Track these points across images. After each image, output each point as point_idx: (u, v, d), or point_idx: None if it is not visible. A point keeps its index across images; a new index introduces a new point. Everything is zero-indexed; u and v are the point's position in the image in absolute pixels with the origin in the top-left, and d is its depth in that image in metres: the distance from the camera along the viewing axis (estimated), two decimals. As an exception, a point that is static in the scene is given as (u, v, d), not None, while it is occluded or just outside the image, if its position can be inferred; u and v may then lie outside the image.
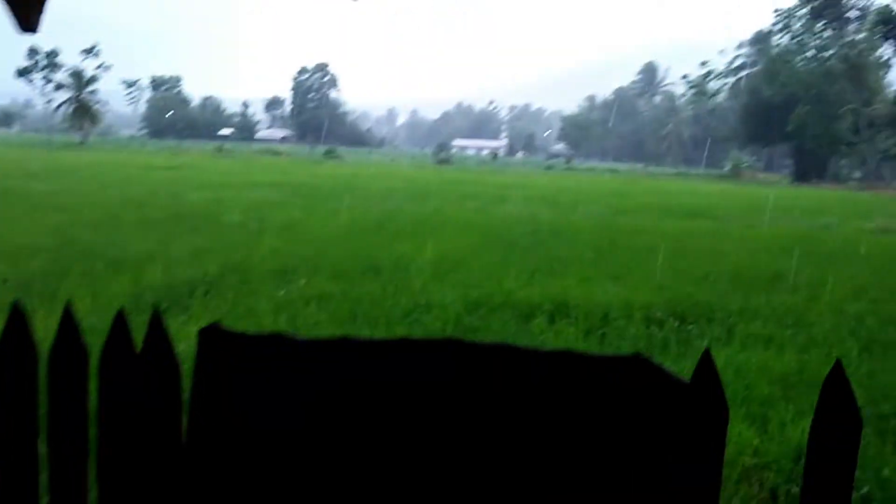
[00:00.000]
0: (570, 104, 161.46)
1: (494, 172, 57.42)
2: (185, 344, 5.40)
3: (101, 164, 39.91)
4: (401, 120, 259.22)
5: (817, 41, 76.40)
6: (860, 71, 70.36)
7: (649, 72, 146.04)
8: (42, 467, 1.65)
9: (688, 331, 7.19)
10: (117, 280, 8.52)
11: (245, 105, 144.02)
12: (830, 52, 74.60)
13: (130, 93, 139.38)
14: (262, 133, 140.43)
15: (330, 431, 1.55)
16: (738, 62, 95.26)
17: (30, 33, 2.57)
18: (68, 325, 1.64)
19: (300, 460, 1.56)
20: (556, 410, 1.48)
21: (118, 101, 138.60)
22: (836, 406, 1.40)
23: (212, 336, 1.58)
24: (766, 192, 43.80)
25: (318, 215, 17.13)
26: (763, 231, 17.95)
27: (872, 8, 70.61)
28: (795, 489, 3.97)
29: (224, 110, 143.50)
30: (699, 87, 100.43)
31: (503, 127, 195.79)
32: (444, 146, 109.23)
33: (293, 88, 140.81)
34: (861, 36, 72.85)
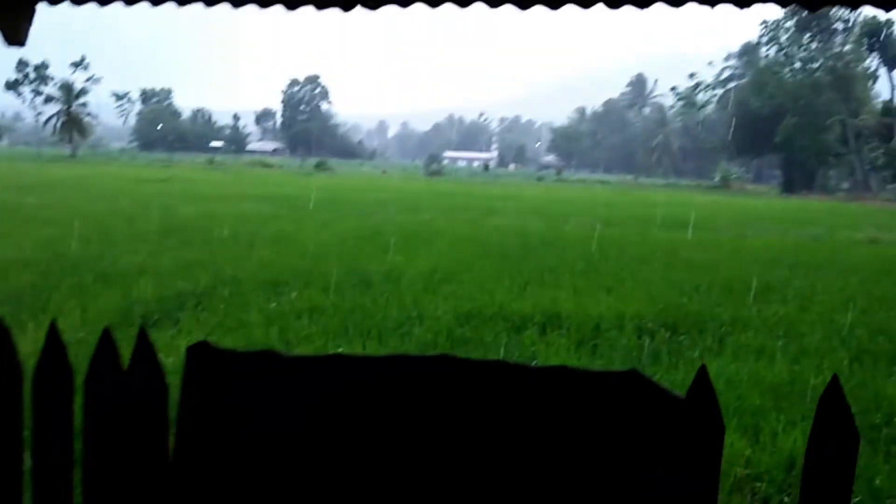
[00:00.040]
0: (560, 116, 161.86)
1: (485, 184, 57.53)
2: (174, 357, 5.38)
3: (91, 176, 39.73)
4: (391, 132, 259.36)
5: (804, 53, 77.11)
6: (847, 82, 71.03)
7: (638, 84, 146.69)
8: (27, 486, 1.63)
9: (679, 341, 7.20)
10: (107, 293, 8.46)
11: (236, 117, 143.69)
12: (817, 63, 75.30)
13: (121, 105, 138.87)
14: (253, 145, 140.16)
15: (321, 449, 1.53)
16: (726, 74, 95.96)
17: (17, 46, 2.56)
18: (53, 343, 1.62)
19: (291, 478, 1.53)
20: (552, 427, 1.46)
21: (108, 113, 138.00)
22: (834, 421, 1.39)
23: (200, 353, 1.56)
24: (756, 202, 44.06)
25: (309, 227, 17.09)
26: (753, 242, 18.03)
27: (858, 20, 71.43)
28: (787, 499, 3.97)
29: (215, 122, 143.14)
30: (688, 99, 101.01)
31: (494, 139, 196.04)
32: (434, 158, 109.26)
33: (284, 101, 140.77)
34: (847, 48, 73.63)
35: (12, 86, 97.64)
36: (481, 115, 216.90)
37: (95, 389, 1.59)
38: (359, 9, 2.19)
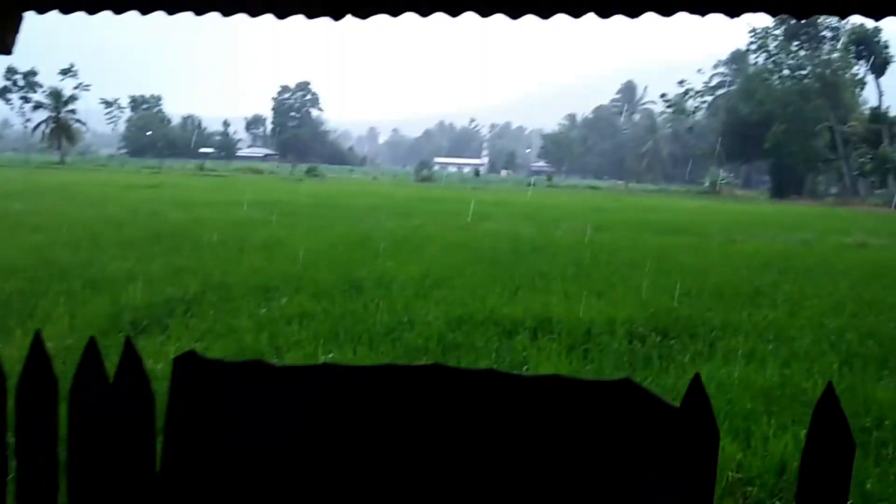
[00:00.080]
0: (551, 122, 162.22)
1: (476, 190, 57.57)
2: (163, 363, 5.34)
3: (80, 183, 39.50)
4: (382, 138, 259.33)
5: (793, 60, 77.76)
6: (835, 89, 71.67)
7: (628, 91, 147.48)
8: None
9: (670, 346, 7.21)
10: (96, 300, 8.40)
11: (226, 124, 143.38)
12: (806, 70, 75.95)
13: (110, 112, 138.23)
14: (244, 151, 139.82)
15: (310, 460, 1.50)
16: (715, 81, 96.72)
17: (4, 55, 2.54)
18: (38, 353, 1.60)
19: (279, 490, 1.51)
20: (545, 436, 1.44)
21: (98, 120, 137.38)
22: (829, 428, 1.38)
23: (187, 363, 1.53)
24: (745, 208, 44.27)
25: (299, 233, 17.04)
26: (743, 246, 18.10)
27: (846, 28, 72.04)
28: (779, 503, 3.97)
29: (205, 129, 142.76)
30: (678, 106, 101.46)
31: (484, 145, 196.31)
32: (425, 164, 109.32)
33: (274, 107, 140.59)
34: (835, 55, 74.30)
35: (1, 93, 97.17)
36: (472, 121, 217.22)
37: (80, 400, 1.57)
38: (349, 18, 2.18)
